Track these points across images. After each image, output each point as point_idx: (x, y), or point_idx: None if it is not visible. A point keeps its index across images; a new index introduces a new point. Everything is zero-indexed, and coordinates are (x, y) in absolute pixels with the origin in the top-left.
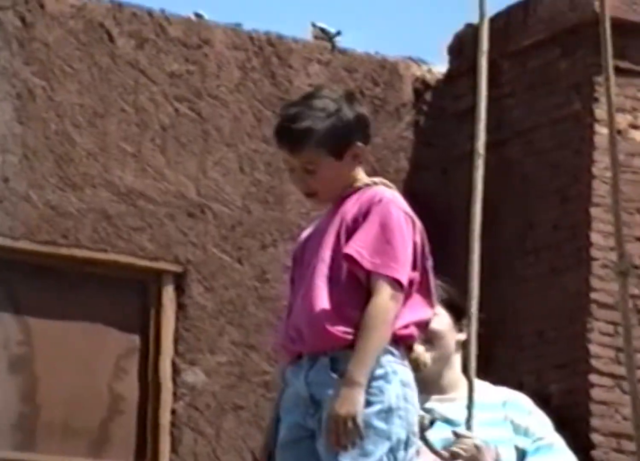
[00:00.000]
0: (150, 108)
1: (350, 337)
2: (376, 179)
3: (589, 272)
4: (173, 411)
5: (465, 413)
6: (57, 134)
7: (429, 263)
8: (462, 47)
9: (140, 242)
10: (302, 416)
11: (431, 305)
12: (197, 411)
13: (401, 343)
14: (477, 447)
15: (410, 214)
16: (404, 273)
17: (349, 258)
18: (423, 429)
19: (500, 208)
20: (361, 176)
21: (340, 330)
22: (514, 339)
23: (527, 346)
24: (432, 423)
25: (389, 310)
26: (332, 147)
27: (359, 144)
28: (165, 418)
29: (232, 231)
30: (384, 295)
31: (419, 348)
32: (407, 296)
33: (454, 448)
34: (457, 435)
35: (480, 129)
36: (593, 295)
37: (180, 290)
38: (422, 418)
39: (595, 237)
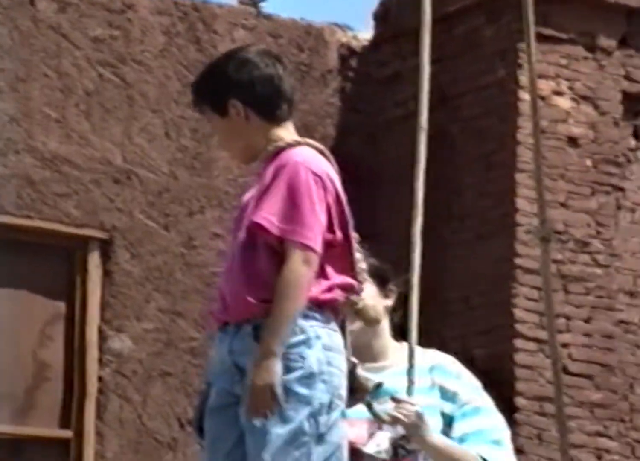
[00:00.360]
0: (73, 73)
1: (271, 305)
2: (300, 139)
3: (514, 238)
4: (99, 378)
5: (394, 380)
6: None
7: (350, 226)
8: (388, 13)
9: (65, 208)
10: (229, 382)
11: (353, 269)
12: (124, 378)
13: (325, 307)
14: (418, 415)
15: (321, 176)
16: (315, 237)
17: (259, 226)
18: (368, 392)
19: (426, 174)
20: (283, 134)
21: (260, 299)
22: (439, 306)
23: (453, 313)
24: (377, 387)
25: (300, 276)
26: (210, 103)
27: (234, 101)
28: (91, 385)
29: (159, 198)
30: (295, 261)
31: (368, 302)
32: (328, 259)
33: (395, 413)
34: (396, 400)
35: (422, 104)
36: (518, 261)
37: (106, 257)
38: (366, 381)
39: (520, 203)
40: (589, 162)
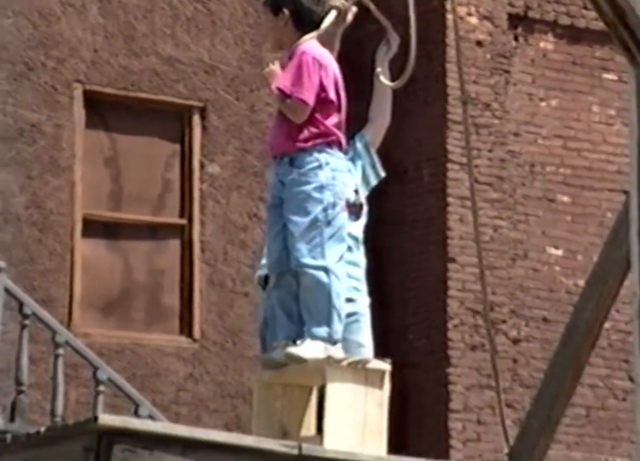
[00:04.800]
0: (179, 6)
1: (299, 144)
2: (310, 37)
3: (447, 103)
4: (200, 190)
5: None
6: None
7: (341, 91)
8: None
9: (177, 88)
10: (277, 190)
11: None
12: (215, 189)
13: (332, 144)
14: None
15: (319, 59)
16: (308, 95)
17: (278, 90)
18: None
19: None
20: (303, 38)
21: (290, 139)
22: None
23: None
24: None
25: (294, 113)
26: (271, 5)
27: (285, 10)
28: (196, 191)
29: (232, 81)
30: (287, 108)
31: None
32: (323, 112)
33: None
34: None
35: None
36: (449, 116)
37: (203, 117)
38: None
39: (449, 81)
40: (488, 56)
